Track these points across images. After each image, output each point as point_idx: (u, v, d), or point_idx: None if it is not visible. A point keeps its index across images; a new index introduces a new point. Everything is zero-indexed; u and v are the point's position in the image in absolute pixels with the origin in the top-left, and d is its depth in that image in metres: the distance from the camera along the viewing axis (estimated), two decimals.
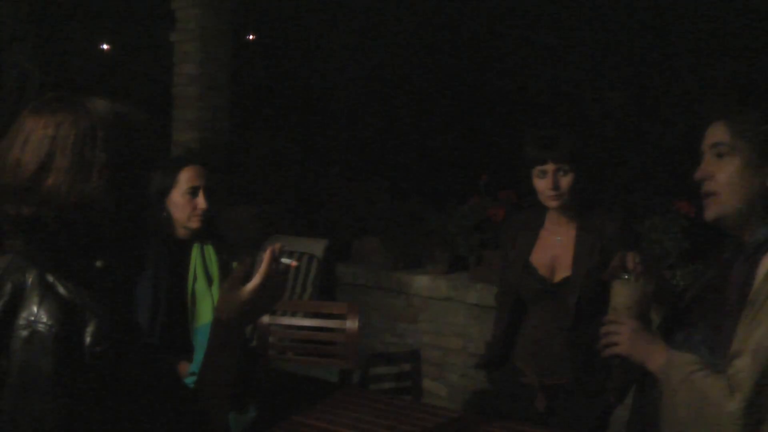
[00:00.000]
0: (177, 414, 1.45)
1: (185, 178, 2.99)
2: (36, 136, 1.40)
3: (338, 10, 8.96)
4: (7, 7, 8.46)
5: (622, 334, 2.12)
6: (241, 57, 7.78)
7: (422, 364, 5.33)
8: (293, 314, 4.50)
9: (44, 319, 1.33)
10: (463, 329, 5.10)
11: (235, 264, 3.14)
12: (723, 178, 2.00)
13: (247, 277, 1.72)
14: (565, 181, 3.10)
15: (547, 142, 3.10)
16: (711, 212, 2.05)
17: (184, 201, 2.98)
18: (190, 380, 2.89)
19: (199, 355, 2.90)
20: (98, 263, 1.43)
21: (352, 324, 4.09)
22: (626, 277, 2.21)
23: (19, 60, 8.72)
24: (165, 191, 2.99)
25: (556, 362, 3.18)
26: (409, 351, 5.36)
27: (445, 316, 5.20)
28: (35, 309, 1.35)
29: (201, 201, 2.99)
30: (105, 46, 10.40)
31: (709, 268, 2.21)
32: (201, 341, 2.93)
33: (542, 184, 3.13)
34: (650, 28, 7.40)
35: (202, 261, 3.06)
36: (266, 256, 1.73)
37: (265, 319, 4.20)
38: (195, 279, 3.03)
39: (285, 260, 1.78)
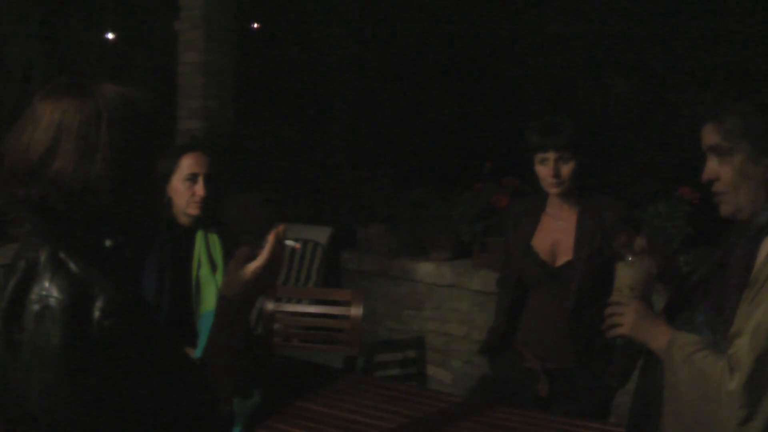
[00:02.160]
0: (184, 389, 1.48)
1: (186, 164, 3.00)
2: (44, 122, 1.44)
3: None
4: None
5: (626, 315, 2.13)
6: (246, 45, 7.78)
7: (426, 350, 5.34)
8: (298, 301, 4.52)
9: (55, 294, 1.37)
10: (467, 316, 5.12)
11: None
12: (727, 178, 2.03)
13: (251, 258, 1.74)
14: (566, 168, 3.11)
15: (549, 130, 3.11)
16: (725, 210, 2.07)
17: (183, 187, 2.99)
18: None
19: (203, 341, 2.92)
20: (107, 242, 1.47)
21: (356, 311, 4.11)
22: (630, 258, 2.23)
23: (24, 50, 8.74)
24: (166, 177, 3.01)
25: (558, 347, 3.19)
26: (414, 338, 5.38)
27: (450, 303, 5.21)
28: (47, 284, 1.39)
29: (200, 188, 3.00)
30: (109, 36, 10.39)
31: (715, 252, 2.22)
32: (205, 327, 2.95)
33: (544, 171, 3.14)
34: (655, 15, 7.38)
35: (207, 248, 3.07)
36: (271, 238, 1.76)
37: (270, 306, 4.22)
38: (199, 266, 3.04)
39: (289, 242, 1.81)
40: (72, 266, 1.41)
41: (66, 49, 9.47)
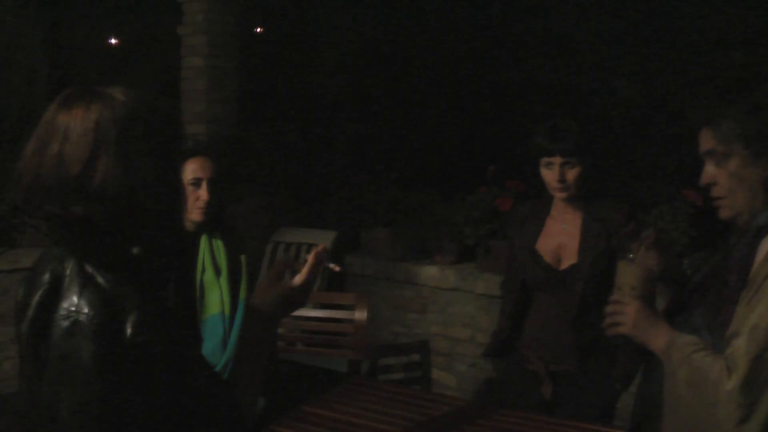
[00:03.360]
0: (213, 405, 1.47)
1: (189, 169, 3.00)
2: (75, 133, 1.38)
3: (345, 2, 8.96)
4: (16, 3, 8.49)
5: (626, 315, 2.14)
6: (249, 50, 7.79)
7: (431, 354, 5.33)
8: None
9: (85, 310, 1.34)
10: (471, 319, 5.12)
11: (243, 257, 3.15)
12: (725, 182, 2.05)
13: (284, 273, 1.74)
14: (572, 173, 3.11)
15: (555, 135, 3.12)
16: (724, 214, 2.09)
17: (186, 192, 2.99)
18: None
19: (207, 346, 2.92)
20: (134, 250, 1.44)
21: (360, 315, 4.11)
22: (632, 256, 2.22)
23: (28, 55, 8.75)
24: None
25: (561, 349, 3.19)
26: (418, 341, 5.36)
27: (454, 307, 5.21)
28: (76, 299, 1.35)
29: (203, 193, 2.99)
30: (113, 41, 10.40)
31: (714, 253, 2.23)
32: (209, 332, 2.95)
33: (549, 176, 3.14)
34: (658, 17, 7.38)
35: (211, 252, 3.07)
36: (312, 258, 1.76)
37: None
38: (203, 270, 3.04)
39: (331, 265, 1.81)
40: (100, 280, 1.38)
41: (69, 54, 9.48)
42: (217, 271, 3.06)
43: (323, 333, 4.30)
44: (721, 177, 2.04)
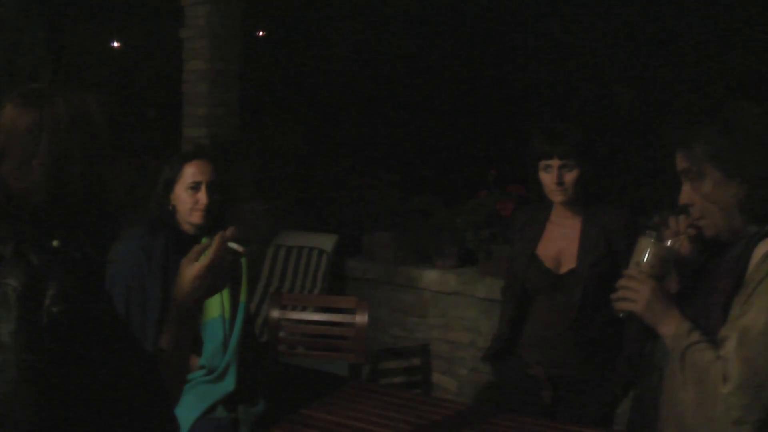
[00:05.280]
0: (135, 379, 1.52)
1: (189, 172, 3.01)
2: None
3: (347, 5, 8.97)
4: (19, 5, 8.51)
5: (640, 293, 2.09)
6: (251, 53, 7.80)
7: (431, 358, 5.34)
8: (303, 309, 4.53)
9: (12, 283, 1.42)
10: (472, 323, 5.11)
11: (243, 260, 3.16)
12: (700, 202, 2.05)
13: (197, 257, 1.86)
14: (570, 176, 3.12)
15: (553, 138, 3.12)
16: (707, 234, 2.09)
17: (186, 195, 3.00)
18: (198, 374, 2.92)
19: (207, 349, 2.93)
20: (54, 243, 1.51)
21: (361, 318, 4.11)
22: (656, 234, 2.19)
23: (31, 57, 8.77)
24: (170, 185, 3.02)
25: (561, 354, 3.19)
26: (419, 345, 5.38)
27: (455, 311, 5.21)
28: (7, 274, 1.44)
29: (202, 196, 3.00)
30: (115, 44, 10.43)
31: (705, 259, 2.22)
32: (210, 335, 2.95)
33: (547, 179, 3.15)
34: (658, 22, 7.39)
35: None
36: (217, 239, 1.87)
37: (275, 313, 4.23)
38: None
39: (232, 245, 1.89)
40: (32, 258, 1.45)
41: (72, 57, 9.50)
42: None
43: (324, 336, 4.30)
44: (697, 197, 2.05)
